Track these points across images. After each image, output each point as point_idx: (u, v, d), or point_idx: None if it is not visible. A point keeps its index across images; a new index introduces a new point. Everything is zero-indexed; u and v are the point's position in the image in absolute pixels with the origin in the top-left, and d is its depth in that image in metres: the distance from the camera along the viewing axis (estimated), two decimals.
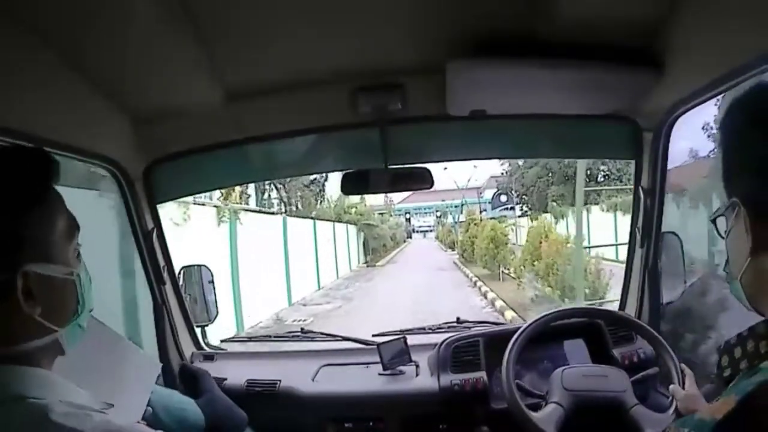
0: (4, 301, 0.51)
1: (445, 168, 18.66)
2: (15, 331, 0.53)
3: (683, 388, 1.01)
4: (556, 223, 14.56)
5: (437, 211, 39.66)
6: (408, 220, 40.01)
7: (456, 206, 34.53)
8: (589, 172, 16.91)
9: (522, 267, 9.20)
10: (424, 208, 41.49)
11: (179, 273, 1.52)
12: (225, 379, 1.37)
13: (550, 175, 21.64)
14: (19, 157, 0.57)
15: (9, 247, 0.52)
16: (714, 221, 0.57)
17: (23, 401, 0.50)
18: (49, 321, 0.54)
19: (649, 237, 1.32)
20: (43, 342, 0.54)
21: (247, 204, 11.40)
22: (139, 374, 1.00)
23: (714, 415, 0.43)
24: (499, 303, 8.47)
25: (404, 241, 32.87)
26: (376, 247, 21.02)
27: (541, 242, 8.27)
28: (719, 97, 0.95)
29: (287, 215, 12.10)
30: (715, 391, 0.90)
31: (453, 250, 21.71)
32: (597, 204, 14.29)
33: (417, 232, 41.24)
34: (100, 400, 0.59)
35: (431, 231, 39.90)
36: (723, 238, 0.55)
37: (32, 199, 0.55)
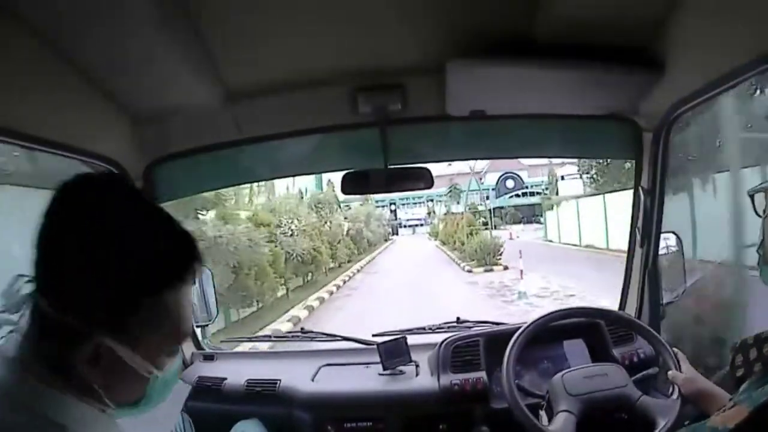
0: (78, 347, 0.49)
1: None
2: (74, 377, 0.50)
3: (680, 371, 1.02)
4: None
5: (429, 200, 32.58)
6: (393, 212, 32.39)
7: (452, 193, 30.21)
8: None
9: None
10: (413, 198, 32.80)
11: None
12: (225, 379, 1.37)
13: None
14: (172, 234, 0.54)
15: (107, 309, 0.49)
16: (752, 196, 0.54)
17: (64, 429, 0.49)
18: (106, 395, 0.52)
19: (649, 237, 1.32)
20: (91, 403, 0.52)
21: None
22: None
23: (726, 423, 0.43)
24: None
25: (385, 241, 23.66)
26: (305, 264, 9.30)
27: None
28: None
29: None
30: (721, 385, 0.90)
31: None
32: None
33: (405, 226, 33.51)
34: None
35: (422, 225, 32.73)
36: (759, 216, 0.53)
37: (160, 283, 0.52)
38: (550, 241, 17.67)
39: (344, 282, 11.25)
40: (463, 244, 14.49)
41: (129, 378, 0.53)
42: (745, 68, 0.82)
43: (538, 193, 25.02)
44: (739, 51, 0.80)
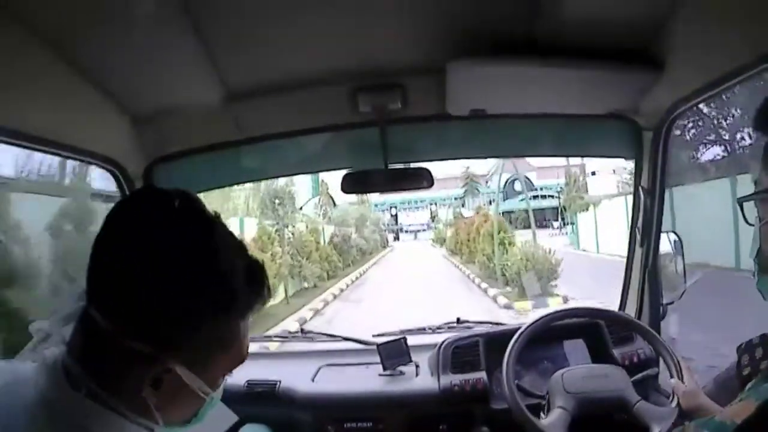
0: (134, 367, 0.48)
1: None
2: (121, 393, 0.49)
3: (683, 382, 1.02)
4: None
5: (432, 203, 29.92)
6: (394, 216, 29.88)
7: (456, 198, 28.89)
8: None
9: None
10: (415, 202, 30.31)
11: None
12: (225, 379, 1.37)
13: None
14: (253, 268, 0.53)
15: (179, 334, 0.48)
16: (741, 204, 0.53)
17: None
18: (159, 412, 0.50)
19: (648, 237, 1.32)
20: (139, 422, 0.51)
21: None
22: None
23: (734, 419, 0.42)
24: None
25: (383, 248, 21.47)
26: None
27: None
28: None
29: None
30: (726, 387, 0.90)
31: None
32: None
33: (406, 231, 30.93)
34: None
35: (424, 230, 29.78)
36: (749, 224, 0.52)
37: (236, 314, 0.52)
38: (584, 250, 14.26)
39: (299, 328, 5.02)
40: (489, 259, 10.17)
41: (186, 400, 0.52)
42: (745, 68, 0.82)
43: (550, 196, 23.81)
44: (739, 51, 0.80)
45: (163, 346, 0.48)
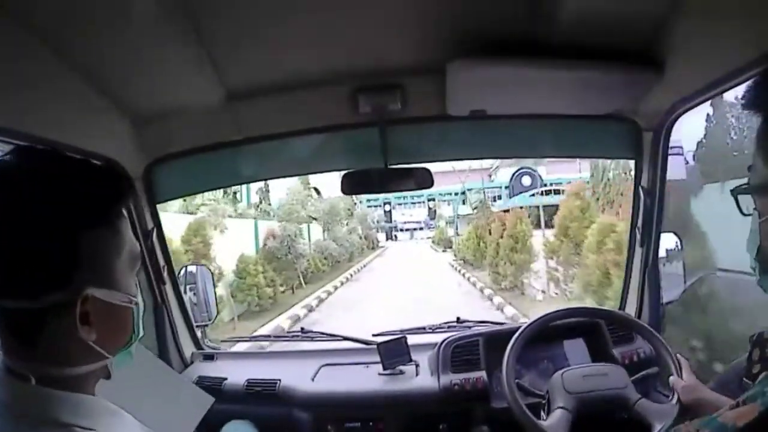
0: (59, 322, 0.49)
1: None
2: (66, 354, 0.50)
3: (681, 379, 1.02)
4: None
5: (430, 199, 25.56)
6: (388, 213, 25.60)
7: (457, 193, 25.30)
8: None
9: None
10: (411, 197, 27.14)
11: (179, 273, 1.53)
12: (225, 378, 1.37)
13: None
14: (93, 173, 0.54)
15: (72, 267, 0.49)
16: (736, 195, 0.51)
17: (71, 429, 0.48)
18: (103, 348, 0.52)
19: (649, 237, 1.32)
20: (93, 368, 0.52)
21: None
22: (187, 406, 1.03)
23: (736, 421, 0.42)
24: None
25: (373, 250, 19.53)
26: None
27: None
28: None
29: None
30: (729, 388, 0.90)
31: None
32: None
33: (402, 230, 27.93)
34: (147, 428, 0.57)
35: (421, 228, 26.76)
36: (744, 214, 0.50)
37: (100, 220, 0.52)
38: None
39: None
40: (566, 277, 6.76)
41: (117, 318, 0.54)
42: (745, 68, 0.82)
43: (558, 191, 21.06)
44: (739, 51, 0.80)
45: (63, 284, 0.48)
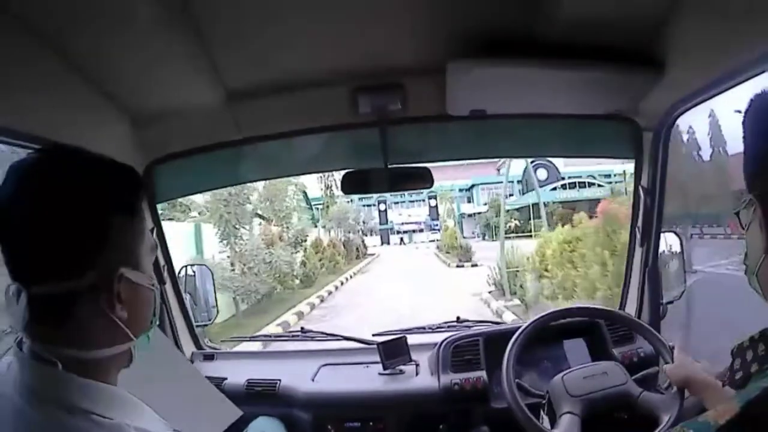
0: (92, 303, 0.52)
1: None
2: (93, 337, 0.53)
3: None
4: None
5: (431, 196, 20.64)
6: (383, 213, 21.75)
7: (462, 189, 22.97)
8: None
9: None
10: (410, 195, 22.79)
11: (179, 273, 1.53)
12: (225, 379, 1.37)
13: None
14: (116, 169, 0.58)
15: (106, 248, 0.53)
16: (737, 214, 0.56)
17: (89, 416, 0.50)
18: (129, 329, 0.55)
19: (648, 236, 1.32)
20: (119, 350, 0.55)
21: None
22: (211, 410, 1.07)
23: (717, 419, 0.43)
24: None
25: (357, 259, 14.97)
26: None
27: None
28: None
29: None
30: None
31: None
32: None
33: (398, 232, 23.68)
34: (169, 422, 0.59)
35: (422, 231, 22.65)
36: (745, 230, 0.55)
37: (129, 208, 0.57)
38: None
39: None
40: None
41: (142, 300, 0.57)
42: (745, 68, 0.82)
43: (592, 184, 17.52)
44: (739, 51, 0.80)
45: (98, 264, 0.52)
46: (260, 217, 9.46)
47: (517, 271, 7.40)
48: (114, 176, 0.57)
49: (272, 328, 6.51)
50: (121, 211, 0.55)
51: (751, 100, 0.52)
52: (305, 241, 10.44)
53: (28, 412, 0.49)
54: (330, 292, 9.84)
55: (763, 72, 0.80)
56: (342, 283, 11.00)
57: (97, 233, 0.53)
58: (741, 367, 0.50)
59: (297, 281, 9.62)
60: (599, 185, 17.06)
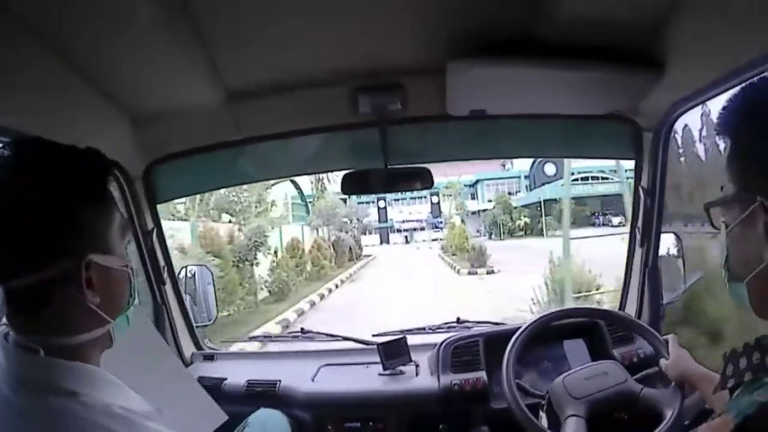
0: (64, 290, 0.53)
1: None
2: (71, 323, 0.54)
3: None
4: None
5: (434, 193, 18.01)
6: (383, 210, 18.98)
7: (466, 185, 21.42)
8: None
9: None
10: (411, 193, 19.32)
11: (179, 273, 1.53)
12: (225, 379, 1.37)
13: None
14: (80, 156, 0.58)
15: (73, 236, 0.53)
16: (708, 210, 0.53)
17: (75, 397, 0.51)
18: (105, 312, 0.56)
19: (648, 237, 1.32)
20: (97, 334, 0.56)
21: None
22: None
23: None
24: None
25: (350, 262, 13.64)
26: None
27: None
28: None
29: None
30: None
31: None
32: None
33: (398, 231, 22.54)
34: (149, 402, 0.59)
35: (423, 230, 21.46)
36: (715, 228, 0.52)
37: (94, 195, 0.57)
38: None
39: None
40: None
41: (116, 282, 0.58)
42: (746, 68, 0.82)
43: (605, 178, 15.79)
44: (739, 51, 0.80)
45: (68, 252, 0.53)
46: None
47: (587, 295, 5.12)
48: (77, 163, 0.57)
49: (271, 327, 6.34)
50: (85, 198, 0.56)
51: (743, 93, 0.49)
52: (262, 244, 8.29)
53: (15, 401, 0.50)
54: (302, 312, 7.50)
55: (763, 72, 0.80)
56: (321, 297, 8.68)
57: (63, 222, 0.53)
58: (734, 374, 0.49)
59: (265, 293, 8.10)
60: (613, 181, 14.92)
